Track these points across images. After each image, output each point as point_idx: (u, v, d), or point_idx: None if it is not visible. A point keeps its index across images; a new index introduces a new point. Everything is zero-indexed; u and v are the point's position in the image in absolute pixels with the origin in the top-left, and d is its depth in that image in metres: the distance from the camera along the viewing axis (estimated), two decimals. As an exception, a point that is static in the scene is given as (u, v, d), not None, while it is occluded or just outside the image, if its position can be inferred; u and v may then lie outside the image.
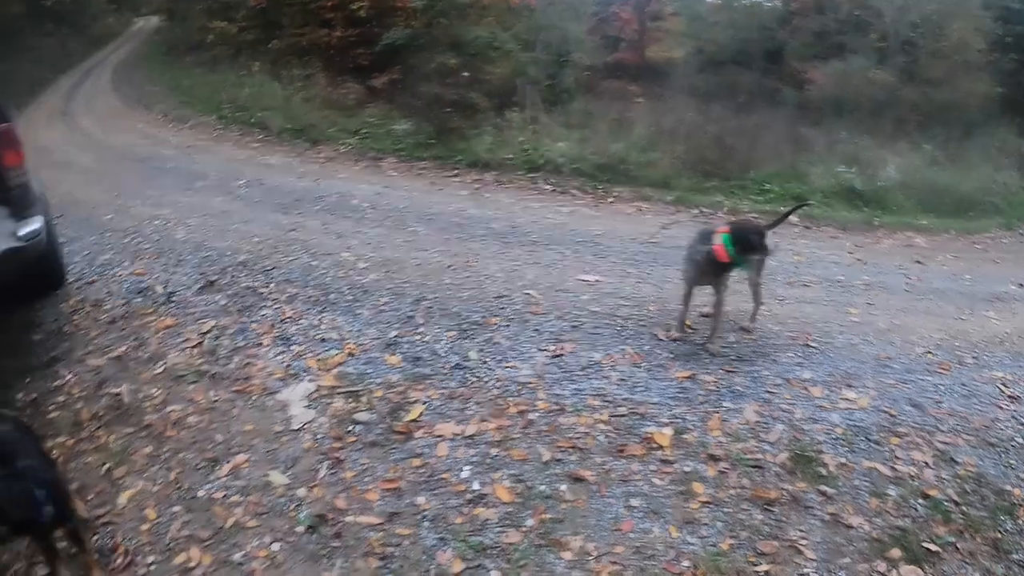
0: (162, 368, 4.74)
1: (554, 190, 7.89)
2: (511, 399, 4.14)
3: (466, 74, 12.60)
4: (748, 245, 4.44)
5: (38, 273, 5.75)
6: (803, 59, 21.07)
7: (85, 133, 13.86)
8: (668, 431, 3.83)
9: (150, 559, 3.28)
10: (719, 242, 4.41)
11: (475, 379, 4.33)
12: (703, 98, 16.01)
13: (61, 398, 4.70)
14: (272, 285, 5.57)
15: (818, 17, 21.35)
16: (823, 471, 3.63)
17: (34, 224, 4.77)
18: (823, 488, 3.52)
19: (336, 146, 10.20)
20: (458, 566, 3.14)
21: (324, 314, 5.13)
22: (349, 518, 3.42)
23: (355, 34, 16.20)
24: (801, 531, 3.28)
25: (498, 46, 14.68)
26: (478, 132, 10.00)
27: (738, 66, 21.56)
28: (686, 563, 3.10)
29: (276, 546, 3.31)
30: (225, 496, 3.64)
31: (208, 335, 5.02)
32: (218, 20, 20.14)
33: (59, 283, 6.13)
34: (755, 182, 8.91)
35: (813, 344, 4.76)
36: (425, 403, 4.12)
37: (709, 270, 4.55)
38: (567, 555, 3.16)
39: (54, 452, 4.15)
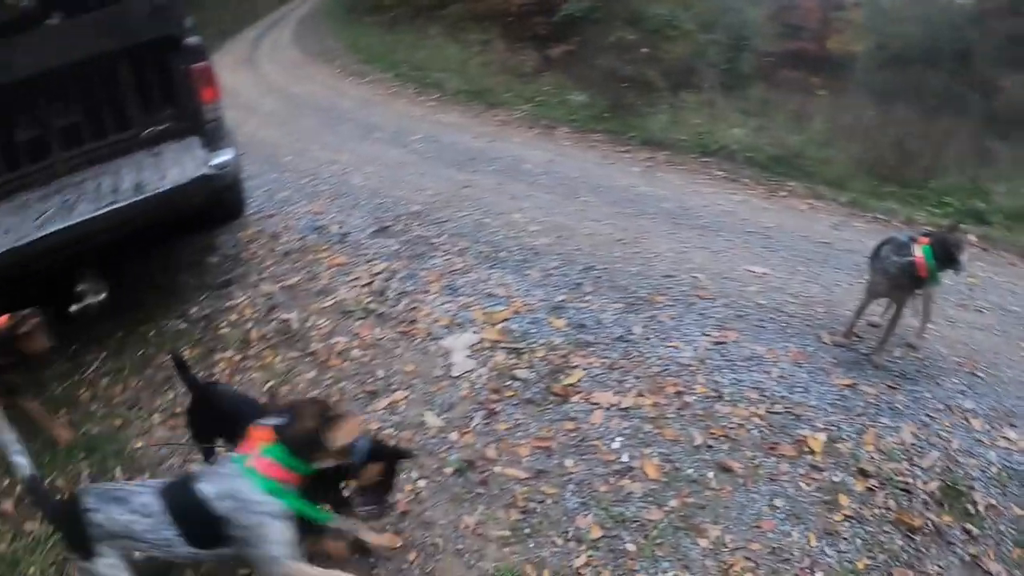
0: (331, 302, 5.01)
1: (726, 177, 7.65)
2: (670, 378, 4.07)
3: (644, 50, 12.42)
4: (950, 259, 4.06)
5: (222, 202, 6.14)
6: (994, 64, 19.47)
7: (268, 80, 14.58)
8: (822, 437, 3.67)
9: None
10: (920, 254, 4.04)
11: (637, 353, 4.28)
12: (885, 96, 15.13)
13: (233, 317, 5.08)
14: (444, 237, 5.70)
15: (1014, 20, 19.61)
16: (971, 509, 3.35)
17: (225, 156, 5.08)
18: (968, 526, 3.26)
19: (511, 111, 10.24)
20: (596, 532, 3.17)
21: (493, 270, 5.21)
22: (497, 468, 3.50)
23: (534, 3, 16.25)
24: (939, 566, 3.08)
25: (677, 25, 14.39)
26: (653, 110, 9.75)
27: (925, 66, 20.18)
28: (819, 574, 3.00)
29: (423, 483, 3.44)
30: (380, 428, 3.80)
31: (379, 276, 5.23)
32: (396, -18, 20.68)
33: (239, 213, 6.53)
34: (935, 193, 8.36)
35: (980, 374, 4.35)
36: (585, 370, 4.13)
37: (901, 283, 4.18)
38: (703, 542, 3.13)
39: (221, 366, 4.53)
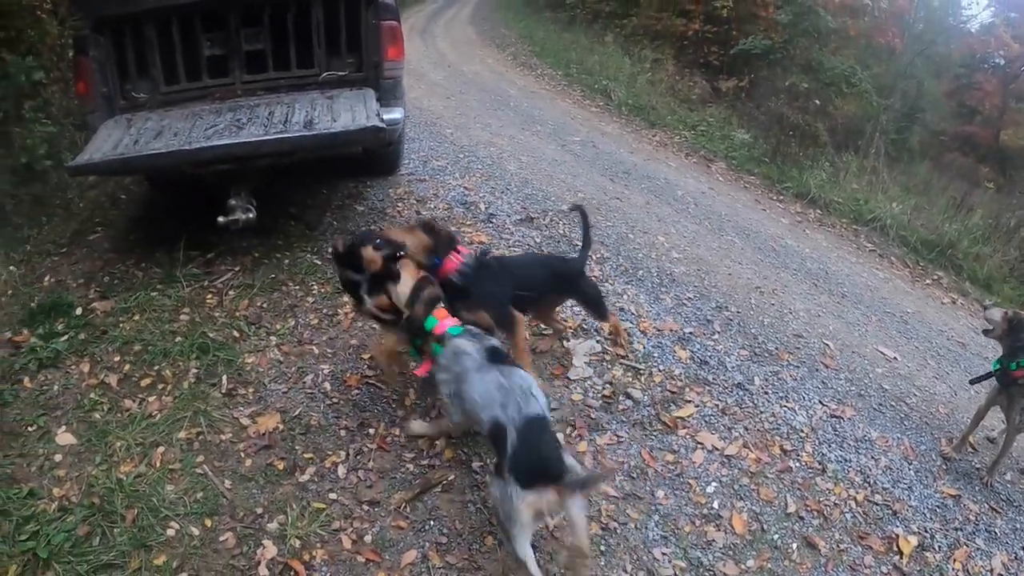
0: None
1: (874, 250, 7.46)
2: (778, 439, 4.04)
3: (816, 102, 12.20)
4: None
5: (381, 156, 6.42)
6: None
7: (440, 53, 14.96)
8: (914, 540, 3.57)
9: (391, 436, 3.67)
10: None
11: (751, 405, 4.26)
12: (1056, 204, 14.32)
13: None
14: None
15: None
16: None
17: (396, 113, 5.28)
18: None
19: (671, 134, 10.25)
20: (668, 570, 3.18)
21: (629, 286, 5.23)
22: None
23: (711, 31, 16.19)
24: None
25: (854, 83, 14.03)
26: (813, 165, 9.63)
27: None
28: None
29: None
30: None
31: None
32: (580, -16, 20.83)
33: (393, 170, 6.86)
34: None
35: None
36: (698, 407, 4.13)
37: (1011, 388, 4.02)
38: (771, 611, 3.09)
39: (346, 308, 4.70)
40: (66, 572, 3.02)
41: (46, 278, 5.41)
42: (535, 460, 2.74)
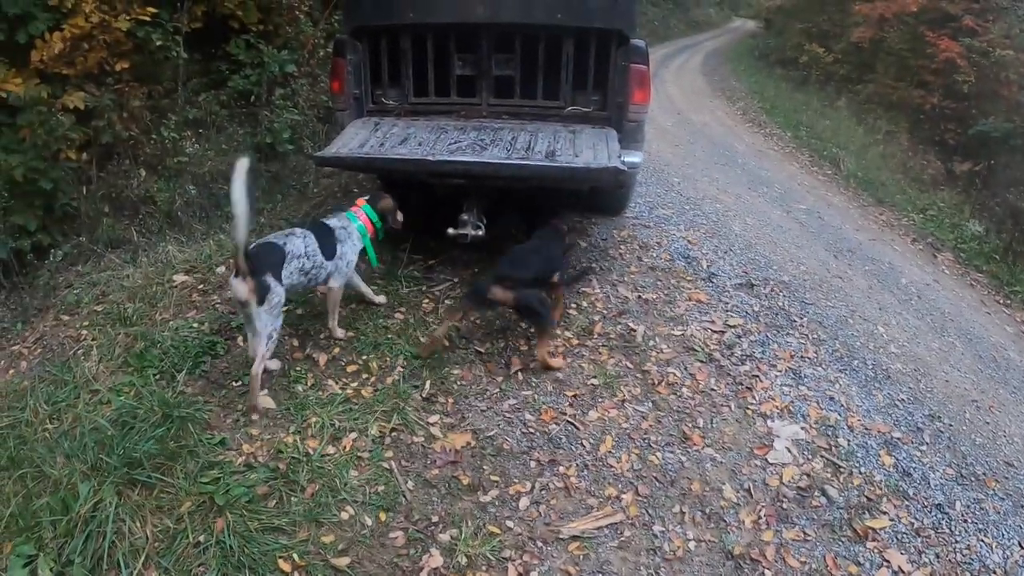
0: (679, 333, 5.05)
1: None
2: (968, 575, 3.62)
3: (1068, 197, 11.31)
4: None
5: (609, 196, 6.50)
6: None
7: (670, 99, 14.95)
8: None
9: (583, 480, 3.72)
10: None
11: (947, 531, 3.83)
12: None
13: (584, 303, 5.30)
14: (805, 319, 5.52)
15: None
16: None
17: (635, 157, 5.31)
18: None
19: (898, 215, 9.74)
20: None
21: (841, 375, 4.94)
22: (768, 573, 3.36)
23: (950, 107, 15.28)
24: None
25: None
26: (1050, 269, 8.89)
27: None
28: None
29: (692, 544, 3.43)
30: (676, 467, 3.87)
31: (732, 329, 5.18)
32: (815, 44, 20.43)
33: (618, 212, 6.90)
34: None
35: None
36: (892, 520, 3.77)
37: None
38: None
39: (558, 341, 4.79)
40: (236, 523, 3.21)
41: (275, 250, 5.94)
42: None
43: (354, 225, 4.58)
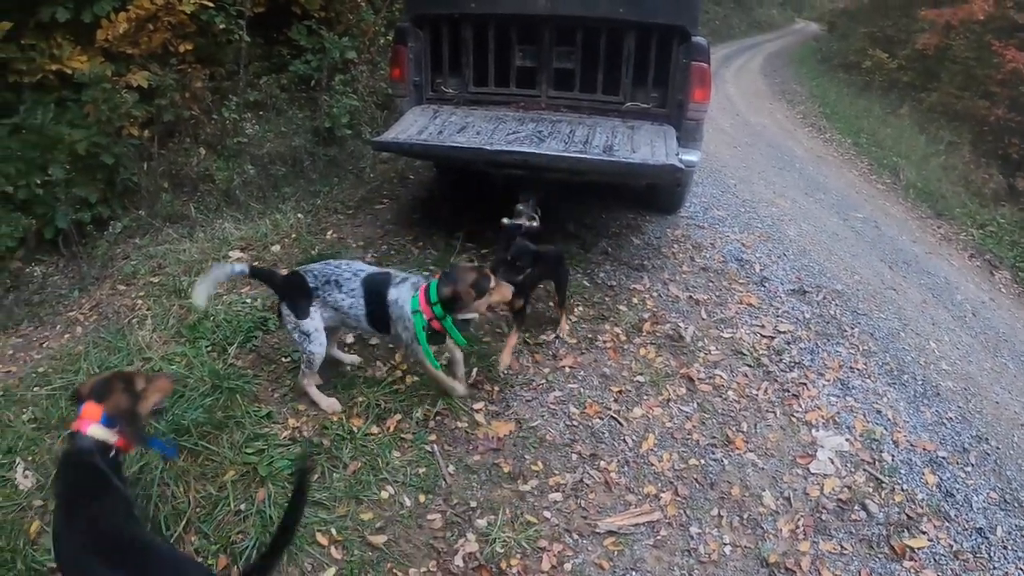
0: (729, 335, 5.03)
1: None
2: None
3: None
4: None
5: (667, 194, 6.49)
6: None
7: (729, 100, 14.78)
8: None
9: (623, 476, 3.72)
10: None
11: (985, 557, 3.70)
12: None
13: (635, 300, 5.29)
14: (856, 330, 5.44)
15: None
16: None
17: (693, 156, 5.29)
18: None
19: (957, 229, 9.51)
20: None
21: (890, 388, 4.85)
22: None
23: (1015, 120, 14.80)
24: None
25: None
26: (1112, 293, 8.60)
27: None
28: None
29: (728, 549, 3.42)
30: (717, 469, 3.86)
31: (782, 335, 5.14)
32: (879, 49, 19.99)
33: (673, 211, 6.87)
34: None
35: None
36: (931, 541, 3.69)
37: None
38: None
39: (606, 336, 4.79)
40: (278, 494, 3.30)
41: (329, 232, 5.97)
42: None
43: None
